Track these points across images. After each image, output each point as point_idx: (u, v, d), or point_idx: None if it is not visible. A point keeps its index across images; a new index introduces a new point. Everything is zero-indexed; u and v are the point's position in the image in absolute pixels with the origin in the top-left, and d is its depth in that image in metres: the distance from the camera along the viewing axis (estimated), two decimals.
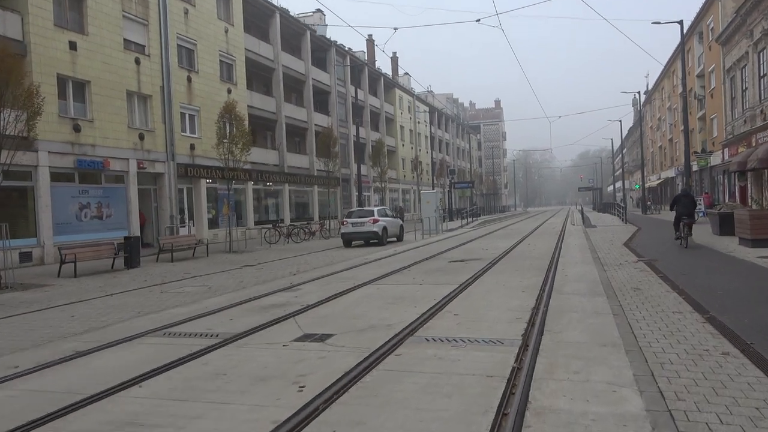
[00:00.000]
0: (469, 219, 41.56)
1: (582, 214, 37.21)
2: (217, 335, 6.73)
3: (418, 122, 59.39)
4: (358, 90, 44.59)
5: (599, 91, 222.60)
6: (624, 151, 75.62)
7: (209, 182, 26.35)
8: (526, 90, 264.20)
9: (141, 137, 22.43)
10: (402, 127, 55.32)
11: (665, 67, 49.07)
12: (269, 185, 32.26)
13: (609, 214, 46.47)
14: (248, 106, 29.76)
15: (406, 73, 68.65)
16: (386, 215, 23.46)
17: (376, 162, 38.11)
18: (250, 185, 29.35)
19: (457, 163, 77.06)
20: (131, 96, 22.24)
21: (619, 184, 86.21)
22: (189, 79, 25.15)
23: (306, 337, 6.46)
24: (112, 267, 16.24)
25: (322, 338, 6.39)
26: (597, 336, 5.99)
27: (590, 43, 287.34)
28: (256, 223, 29.35)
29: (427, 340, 6.09)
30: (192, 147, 25.34)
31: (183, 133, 24.98)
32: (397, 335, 6.30)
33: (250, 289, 10.99)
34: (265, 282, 12.07)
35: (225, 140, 21.39)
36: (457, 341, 5.97)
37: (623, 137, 64.57)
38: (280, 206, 32.83)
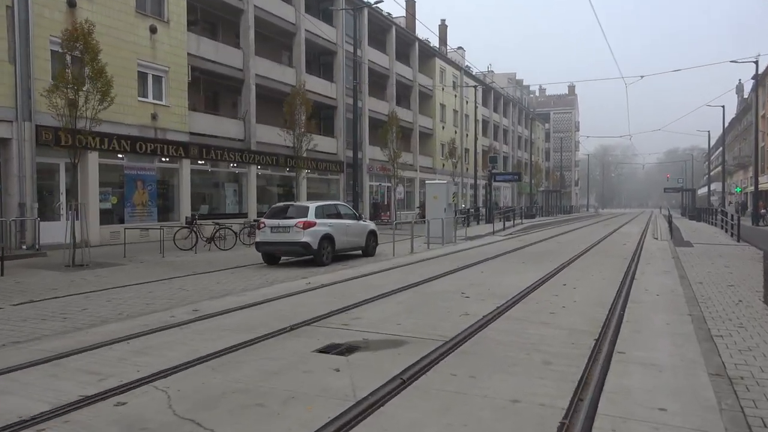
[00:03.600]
0: (514, 221, 31.68)
1: (669, 222, 26.35)
2: None
3: (467, 101, 49.52)
4: (382, 55, 35.64)
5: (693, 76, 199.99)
6: (724, 146, 62.04)
7: (104, 157, 18.31)
8: (604, 72, 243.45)
9: None
10: (443, 106, 45.75)
11: None
12: (233, 166, 24.05)
13: (706, 224, 35.10)
14: (192, 55, 21.56)
15: (460, 47, 58.98)
16: (338, 215, 14.55)
17: (387, 142, 29.12)
18: (186, 165, 21.14)
19: (516, 154, 66.38)
20: None
21: (715, 186, 72.26)
22: (72, 4, 17.16)
23: None
24: None
25: None
26: None
27: (680, 19, 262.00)
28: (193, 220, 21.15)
29: None
30: (73, 104, 17.31)
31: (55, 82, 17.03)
32: None
33: None
34: None
35: (66, 85, 13.04)
36: None
37: (725, 127, 51.72)
38: (244, 196, 24.53)
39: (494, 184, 59.37)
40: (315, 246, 13.15)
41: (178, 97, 20.65)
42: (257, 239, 13.73)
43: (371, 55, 34.48)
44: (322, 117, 31.92)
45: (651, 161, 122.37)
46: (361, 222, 15.33)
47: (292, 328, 6.73)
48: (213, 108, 25.04)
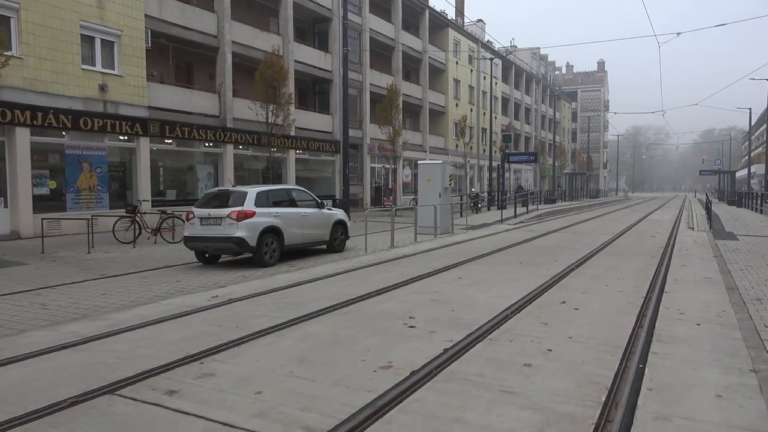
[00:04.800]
0: (528, 207, 28.45)
1: (707, 208, 22.79)
2: None
3: (484, 77, 45.95)
4: (387, 23, 32.48)
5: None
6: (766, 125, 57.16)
7: (38, 134, 15.76)
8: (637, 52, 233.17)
9: None
10: (457, 82, 42.34)
11: None
12: (208, 146, 21.43)
13: (749, 210, 31.31)
14: (152, 18, 18.86)
15: (480, 20, 55.20)
16: (291, 203, 11.75)
17: (386, 119, 26.15)
18: (144, 144, 18.52)
19: (540, 134, 62.51)
20: None
21: (755, 168, 67.23)
22: None
23: None
24: None
25: None
26: None
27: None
28: (160, 204, 18.61)
29: None
30: None
31: None
32: None
33: None
34: None
35: None
36: None
37: None
38: (221, 179, 21.89)
39: (515, 166, 56.04)
40: (253, 242, 10.40)
41: (134, 66, 18.01)
42: (185, 233, 11.03)
43: (374, 23, 31.34)
44: (317, 92, 29.05)
45: (685, 142, 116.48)
46: (325, 211, 12.50)
47: (74, 402, 4.00)
48: (186, 80, 22.38)
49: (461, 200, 25.30)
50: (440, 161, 18.04)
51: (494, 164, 36.43)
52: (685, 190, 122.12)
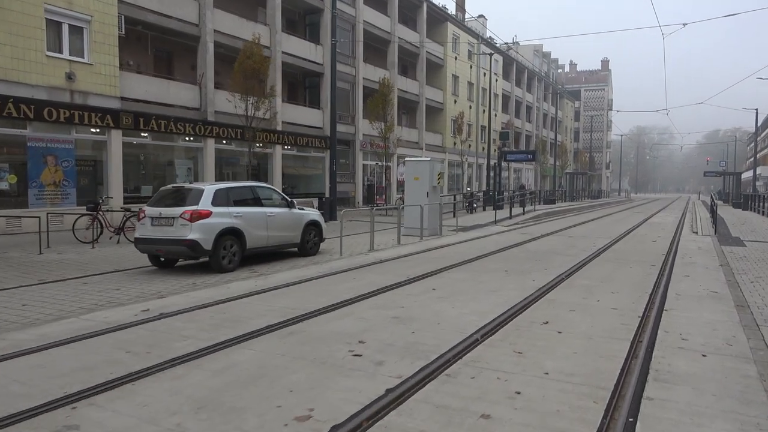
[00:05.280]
0: (525, 208, 27.35)
1: (713, 211, 21.65)
2: None
3: (484, 73, 44.80)
4: (383, 16, 31.42)
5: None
6: None
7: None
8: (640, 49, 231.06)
9: None
10: (456, 78, 41.22)
11: None
12: (188, 139, 20.40)
13: (754, 213, 30.18)
14: (126, 3, 17.83)
15: (481, 15, 54.05)
16: (255, 202, 10.71)
17: (377, 114, 25.12)
18: (116, 137, 17.47)
19: (541, 133, 61.34)
20: None
21: (761, 170, 65.96)
22: None
23: None
24: None
25: None
26: None
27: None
28: (134, 201, 17.61)
29: None
30: None
31: None
32: None
33: None
34: None
35: None
36: None
37: None
38: (201, 175, 20.86)
39: (515, 165, 54.84)
40: (208, 245, 9.37)
41: (106, 54, 16.98)
42: (136, 234, 10.01)
43: (368, 15, 30.24)
44: (307, 86, 28.01)
45: (690, 143, 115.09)
46: (295, 211, 11.46)
47: None
48: (167, 71, 21.34)
49: (454, 200, 24.22)
50: (428, 158, 17.01)
51: (494, 162, 35.36)
52: (689, 192, 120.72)
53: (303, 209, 11.97)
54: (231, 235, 9.79)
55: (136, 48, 19.84)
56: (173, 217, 9.37)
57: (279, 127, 23.87)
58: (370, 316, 6.47)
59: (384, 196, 30.23)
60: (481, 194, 30.18)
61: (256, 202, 10.71)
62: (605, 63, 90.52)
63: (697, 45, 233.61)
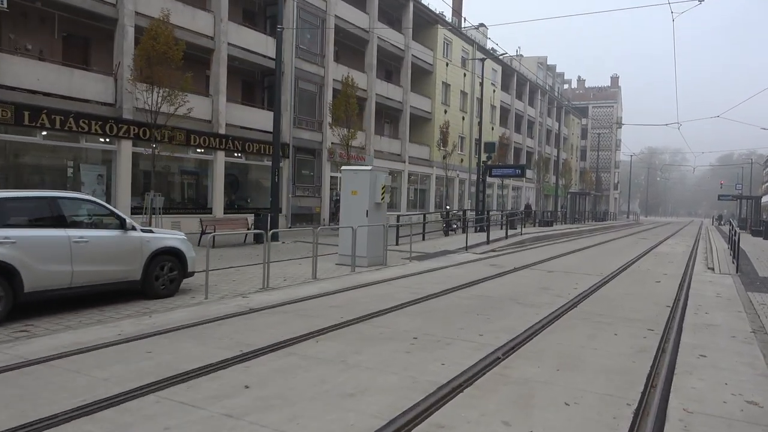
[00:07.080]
0: (507, 231, 23.62)
1: (734, 244, 17.60)
2: None
3: (480, 83, 41.34)
4: (360, 13, 28.18)
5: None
6: None
7: None
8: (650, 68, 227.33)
9: None
10: (447, 86, 37.81)
11: None
12: (103, 141, 17.01)
13: None
14: None
15: (482, 24, 50.86)
16: (58, 221, 7.20)
17: (338, 117, 21.72)
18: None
19: (544, 150, 57.71)
20: None
21: None
22: None
23: None
24: None
25: None
26: None
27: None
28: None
29: None
30: None
31: None
32: None
33: None
34: None
35: None
36: None
37: None
38: (115, 184, 17.40)
39: (515, 183, 51.21)
40: None
41: None
42: None
43: (342, 10, 26.99)
44: (266, 86, 24.71)
45: (703, 164, 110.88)
46: (132, 234, 7.95)
47: None
48: (83, 60, 18.08)
49: (424, 219, 20.59)
50: (369, 167, 13.47)
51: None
52: (702, 216, 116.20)
53: (153, 231, 8.46)
54: None
55: (40, 30, 16.63)
56: None
57: (222, 131, 20.51)
58: None
59: None
60: (461, 213, 26.52)
61: (57, 221, 7.20)
62: (615, 79, 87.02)
63: (710, 58, 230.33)
